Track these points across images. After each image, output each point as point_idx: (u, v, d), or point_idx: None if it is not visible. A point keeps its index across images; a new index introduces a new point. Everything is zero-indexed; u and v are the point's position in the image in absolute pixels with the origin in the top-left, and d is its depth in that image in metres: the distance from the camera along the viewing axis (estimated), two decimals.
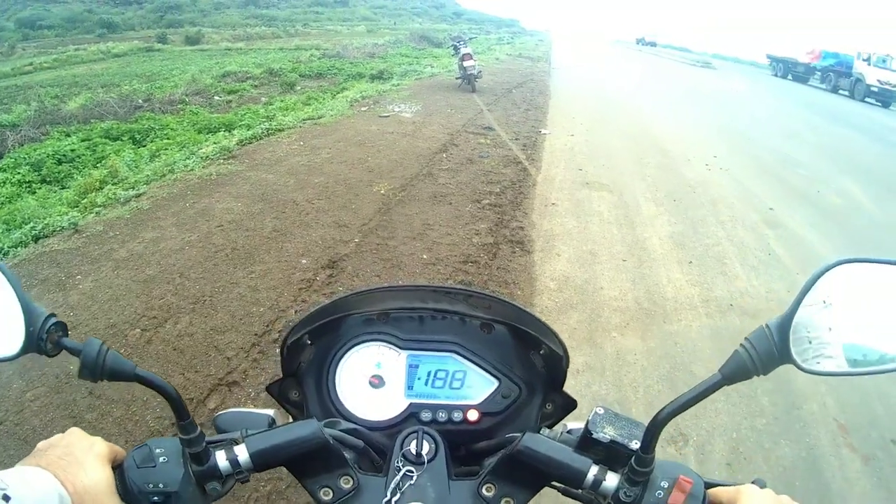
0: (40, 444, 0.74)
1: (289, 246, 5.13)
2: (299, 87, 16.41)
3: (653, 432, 0.74)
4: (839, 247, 6.34)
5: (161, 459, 0.78)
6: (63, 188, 8.25)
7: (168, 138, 9.98)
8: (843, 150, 12.24)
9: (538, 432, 0.87)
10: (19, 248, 5.05)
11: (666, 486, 0.77)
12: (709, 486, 0.77)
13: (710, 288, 5.12)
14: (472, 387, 1.09)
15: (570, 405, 1.11)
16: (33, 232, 5.28)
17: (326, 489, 0.85)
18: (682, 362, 4.04)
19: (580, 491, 0.82)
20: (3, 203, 7.66)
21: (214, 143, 8.48)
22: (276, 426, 0.91)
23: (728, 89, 25.12)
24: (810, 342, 0.70)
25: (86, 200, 6.29)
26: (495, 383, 1.08)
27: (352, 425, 1.01)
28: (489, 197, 6.71)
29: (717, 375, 0.72)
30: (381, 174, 7.19)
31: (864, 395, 3.80)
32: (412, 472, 0.86)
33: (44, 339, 0.73)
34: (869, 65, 25.64)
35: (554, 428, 1.01)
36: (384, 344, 1.11)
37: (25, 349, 0.73)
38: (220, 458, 0.80)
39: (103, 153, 9.29)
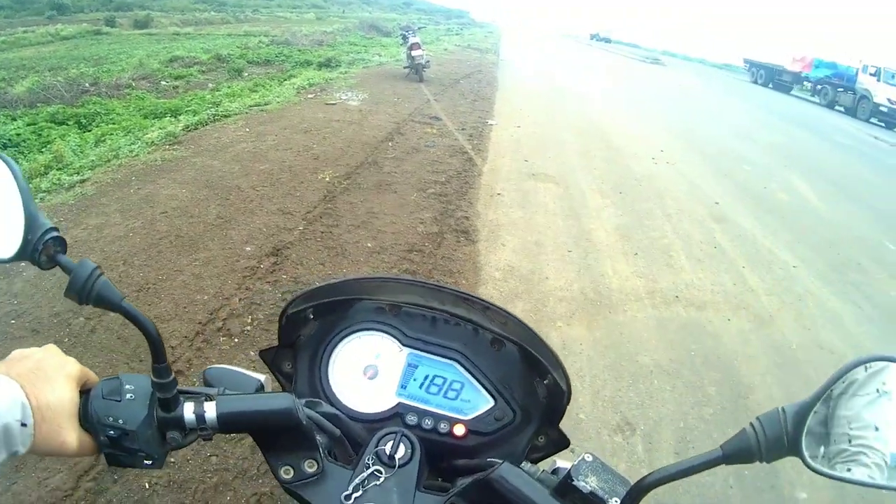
0: (15, 353, 0.74)
1: (233, 233, 4.97)
2: (247, 74, 16.12)
3: (634, 495, 0.69)
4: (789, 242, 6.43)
5: (128, 396, 0.75)
6: None
7: (114, 123, 9.70)
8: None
9: (520, 464, 0.84)
10: None
11: None
12: None
13: (655, 279, 5.13)
14: (467, 401, 1.04)
15: (562, 443, 1.05)
16: None
17: (288, 467, 0.82)
18: (627, 352, 4.03)
19: None
20: None
21: (160, 128, 8.23)
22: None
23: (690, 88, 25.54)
24: (850, 440, 0.61)
25: (30, 186, 5.98)
26: (491, 402, 1.03)
27: (334, 411, 0.97)
28: (434, 186, 6.62)
29: (718, 452, 0.65)
30: (326, 162, 7.04)
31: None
32: (381, 472, 0.83)
33: (39, 249, 0.73)
34: (878, 80, 22.11)
35: (539, 464, 0.96)
36: (388, 336, 1.08)
37: (20, 256, 0.74)
38: (188, 410, 0.77)
39: (49, 138, 8.98)
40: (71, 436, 0.71)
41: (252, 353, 3.45)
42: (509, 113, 11.79)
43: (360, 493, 0.79)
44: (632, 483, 0.70)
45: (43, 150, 8.04)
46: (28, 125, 9.74)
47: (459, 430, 1.00)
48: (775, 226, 7.04)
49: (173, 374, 0.76)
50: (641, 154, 9.94)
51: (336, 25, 34.48)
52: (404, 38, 15.40)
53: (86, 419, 0.73)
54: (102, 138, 8.34)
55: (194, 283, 4.19)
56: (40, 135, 9.25)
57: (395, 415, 1.02)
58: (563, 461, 0.89)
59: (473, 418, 1.01)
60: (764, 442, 0.61)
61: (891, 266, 6.35)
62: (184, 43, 26.29)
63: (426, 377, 1.05)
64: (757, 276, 5.53)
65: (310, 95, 11.25)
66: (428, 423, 1.00)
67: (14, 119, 10.24)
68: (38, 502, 2.41)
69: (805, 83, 29.34)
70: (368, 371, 1.06)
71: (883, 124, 21.60)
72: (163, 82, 14.77)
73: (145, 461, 0.76)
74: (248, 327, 3.74)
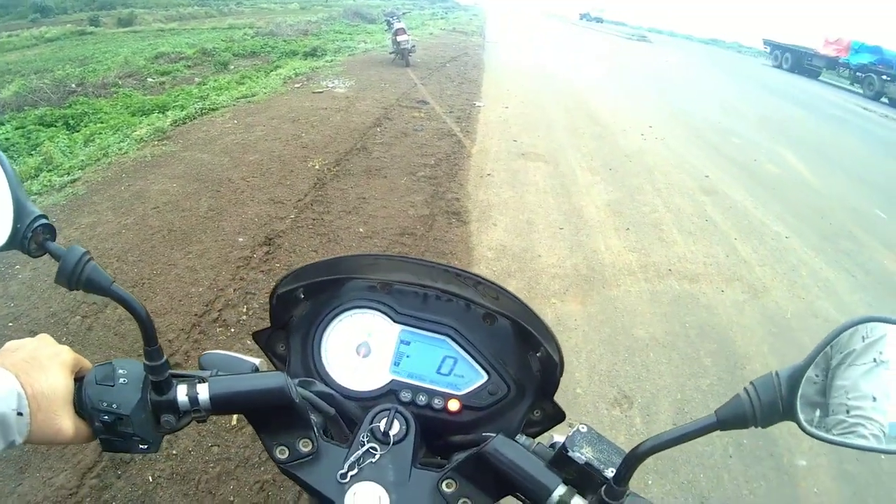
0: (8, 344, 0.74)
1: (225, 224, 4.95)
2: (233, 67, 15.98)
3: (630, 464, 0.68)
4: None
5: (121, 381, 0.76)
6: None
7: (102, 122, 9.62)
8: None
9: (515, 438, 0.82)
10: None
11: None
12: None
13: (647, 254, 5.15)
14: (461, 376, 1.03)
15: (558, 416, 1.05)
16: None
17: (283, 447, 0.82)
18: (622, 326, 4.04)
19: None
20: None
21: (148, 124, 8.16)
22: None
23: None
24: (847, 410, 0.61)
25: (27, 192, 5.95)
26: (485, 377, 1.02)
27: (328, 390, 0.97)
28: (424, 169, 6.60)
29: (712, 417, 0.63)
30: (315, 150, 6.99)
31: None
32: (376, 449, 0.83)
33: (28, 237, 0.74)
34: None
35: (537, 438, 0.95)
36: (380, 314, 1.07)
37: (9, 245, 0.74)
38: (181, 393, 0.78)
39: (38, 140, 8.91)
40: (66, 423, 0.71)
41: (249, 342, 3.45)
42: (496, 94, 11.73)
43: (355, 471, 0.79)
44: (626, 452, 0.70)
45: (32, 152, 7.99)
46: (16, 129, 9.69)
47: (454, 405, 0.99)
48: (766, 196, 7.06)
49: (165, 357, 0.76)
50: (630, 130, 9.92)
51: (320, 14, 34.21)
52: (389, 23, 15.25)
53: (80, 406, 0.74)
54: (91, 138, 8.29)
55: (189, 276, 4.17)
56: (29, 138, 9.20)
57: (389, 392, 1.01)
58: (559, 435, 0.87)
59: (467, 393, 1.01)
60: (759, 407, 0.60)
61: None
62: (168, 39, 26.09)
63: (419, 354, 1.05)
64: (749, 247, 5.54)
65: (297, 85, 11.16)
66: (422, 399, 1.00)
67: (2, 123, 10.18)
68: (44, 502, 2.42)
69: (842, 69, 24.29)
70: (361, 349, 1.05)
71: None
72: (149, 79, 14.68)
73: (140, 445, 0.76)
74: (244, 317, 3.73)
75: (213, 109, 8.97)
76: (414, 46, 14.13)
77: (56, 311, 3.67)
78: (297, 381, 0.88)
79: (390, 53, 14.64)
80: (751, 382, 0.62)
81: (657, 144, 9.14)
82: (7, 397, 0.64)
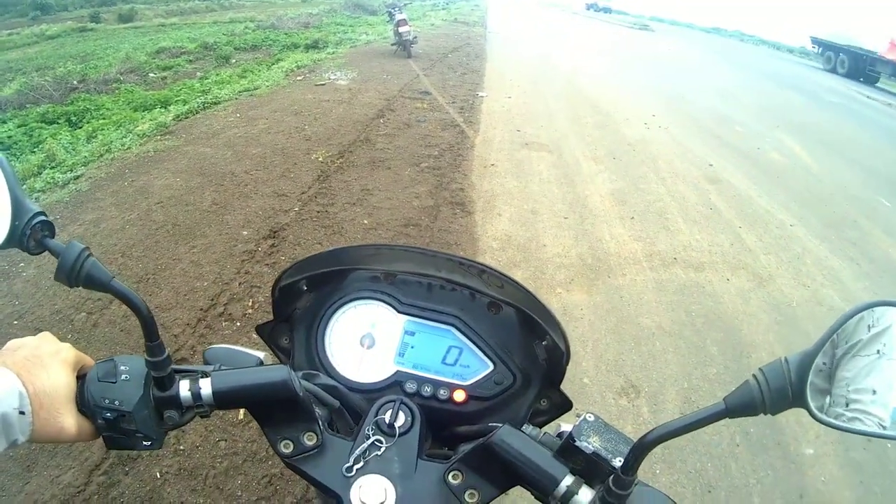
0: (10, 343, 0.74)
1: (229, 218, 4.94)
2: (234, 60, 15.94)
3: (638, 453, 0.66)
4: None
5: (123, 377, 0.75)
6: None
7: (104, 118, 9.59)
8: None
9: (522, 428, 0.82)
10: None
11: None
12: None
13: (652, 242, 5.13)
14: (466, 366, 1.03)
15: (565, 405, 1.04)
16: None
17: (287, 441, 0.81)
18: (628, 315, 4.04)
19: (549, 500, 0.74)
20: None
21: (151, 119, 8.15)
22: None
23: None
24: (847, 402, 0.60)
25: (24, 186, 5.96)
26: (490, 367, 1.02)
27: (332, 382, 0.97)
28: (428, 160, 6.59)
29: (721, 405, 0.62)
30: (318, 142, 6.98)
31: None
32: (381, 441, 0.82)
33: (27, 234, 0.73)
34: None
35: (544, 427, 0.93)
36: (383, 304, 1.07)
37: (7, 242, 0.73)
38: (183, 388, 0.78)
39: (40, 138, 8.92)
40: (69, 421, 0.71)
41: (255, 336, 3.45)
42: (499, 84, 11.68)
43: (361, 463, 0.79)
44: (634, 441, 0.69)
45: (35, 150, 8.00)
46: (18, 126, 9.72)
47: (459, 395, 0.99)
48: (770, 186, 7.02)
49: (167, 352, 0.76)
50: (633, 119, 9.89)
51: (322, 7, 34.09)
52: (390, 15, 15.19)
53: (83, 403, 0.74)
54: (94, 134, 8.28)
55: (193, 271, 4.17)
56: (31, 135, 9.23)
57: (394, 383, 1.01)
58: (566, 424, 0.86)
59: (473, 383, 1.00)
60: (768, 393, 0.59)
61: None
62: (169, 34, 26.03)
63: (424, 344, 1.04)
64: (754, 236, 5.53)
65: (299, 78, 11.13)
66: (427, 390, 0.99)
67: (4, 122, 10.20)
68: (52, 500, 2.42)
69: None
70: (365, 340, 1.05)
71: None
72: (151, 74, 14.66)
73: (144, 442, 0.76)
74: (250, 310, 3.74)
75: (215, 103, 8.95)
76: (416, 37, 14.07)
77: (61, 309, 3.68)
78: (300, 373, 0.88)
79: (392, 45, 14.57)
80: (759, 369, 0.61)
81: (661, 133, 9.12)
82: (9, 396, 0.64)
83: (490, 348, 1.02)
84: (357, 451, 0.80)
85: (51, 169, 6.42)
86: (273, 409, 0.81)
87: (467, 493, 0.78)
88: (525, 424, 0.87)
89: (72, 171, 6.09)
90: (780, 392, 0.59)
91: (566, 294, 4.23)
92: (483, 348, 1.02)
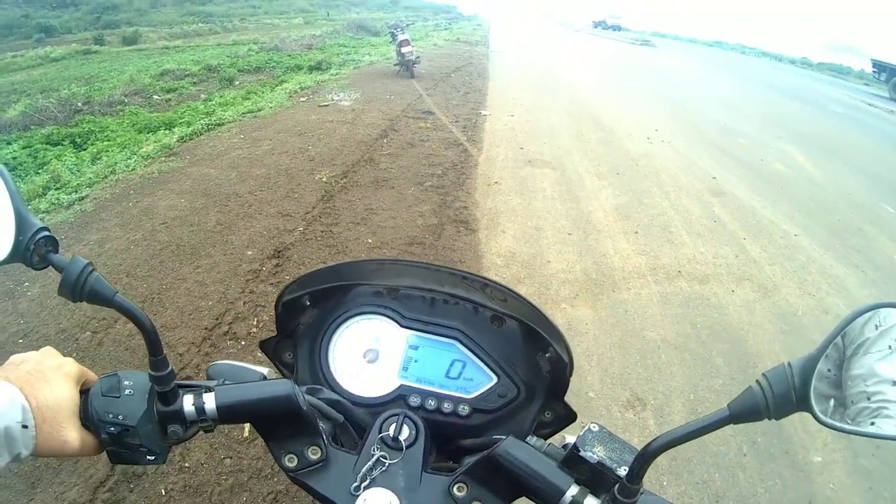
0: (13, 358, 0.75)
1: (234, 238, 4.97)
2: (238, 82, 16.05)
3: (642, 461, 0.67)
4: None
5: (127, 392, 0.76)
6: None
7: (109, 140, 9.65)
8: None
9: (526, 439, 0.82)
10: None
11: None
12: None
13: (657, 256, 5.13)
14: (470, 379, 1.03)
15: (569, 417, 1.04)
16: None
17: (292, 455, 0.82)
18: (633, 329, 4.03)
19: None
20: None
21: (155, 141, 8.20)
22: None
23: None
24: (868, 397, 0.60)
25: (29, 207, 5.98)
26: (494, 379, 1.02)
27: (336, 397, 0.97)
28: (431, 179, 6.61)
29: (725, 411, 0.62)
30: (322, 162, 7.02)
31: None
32: (386, 456, 0.82)
33: (31, 250, 0.74)
34: None
35: (549, 439, 0.96)
36: (387, 319, 1.07)
37: (12, 257, 0.74)
38: (187, 403, 0.78)
39: (45, 159, 8.97)
40: (72, 435, 0.71)
41: (259, 354, 3.45)
42: (502, 103, 11.75)
43: (366, 479, 0.79)
44: (639, 450, 0.69)
45: (40, 171, 8.04)
46: (23, 148, 9.77)
47: (463, 409, 0.99)
48: (770, 194, 7.02)
49: (171, 367, 0.76)
50: (636, 134, 9.92)
51: (324, 28, 34.39)
52: (393, 35, 15.31)
53: (86, 418, 0.74)
54: (98, 155, 8.33)
55: (198, 290, 4.19)
56: (36, 157, 9.27)
57: (398, 397, 1.01)
58: (571, 436, 0.86)
59: (477, 396, 1.00)
60: (772, 398, 0.59)
61: None
62: (173, 56, 26.22)
63: (427, 358, 1.04)
64: (759, 247, 5.52)
65: (302, 99, 11.21)
66: (431, 403, 0.99)
67: (9, 143, 10.25)
68: None
69: None
70: (368, 355, 1.05)
71: None
72: (155, 96, 14.76)
73: (148, 456, 0.77)
74: (254, 329, 3.74)
75: (219, 125, 9.02)
76: (418, 58, 14.15)
77: (66, 328, 3.70)
78: (304, 388, 0.88)
79: (395, 65, 14.66)
80: (763, 374, 0.61)
81: (664, 148, 9.13)
82: (11, 410, 0.64)
83: (493, 361, 1.02)
84: (362, 465, 0.80)
85: (56, 190, 6.46)
86: (277, 423, 0.82)
87: None
88: (529, 436, 0.87)
89: (76, 192, 6.12)
90: (784, 396, 0.59)
91: (571, 309, 4.23)
92: (486, 361, 1.02)
